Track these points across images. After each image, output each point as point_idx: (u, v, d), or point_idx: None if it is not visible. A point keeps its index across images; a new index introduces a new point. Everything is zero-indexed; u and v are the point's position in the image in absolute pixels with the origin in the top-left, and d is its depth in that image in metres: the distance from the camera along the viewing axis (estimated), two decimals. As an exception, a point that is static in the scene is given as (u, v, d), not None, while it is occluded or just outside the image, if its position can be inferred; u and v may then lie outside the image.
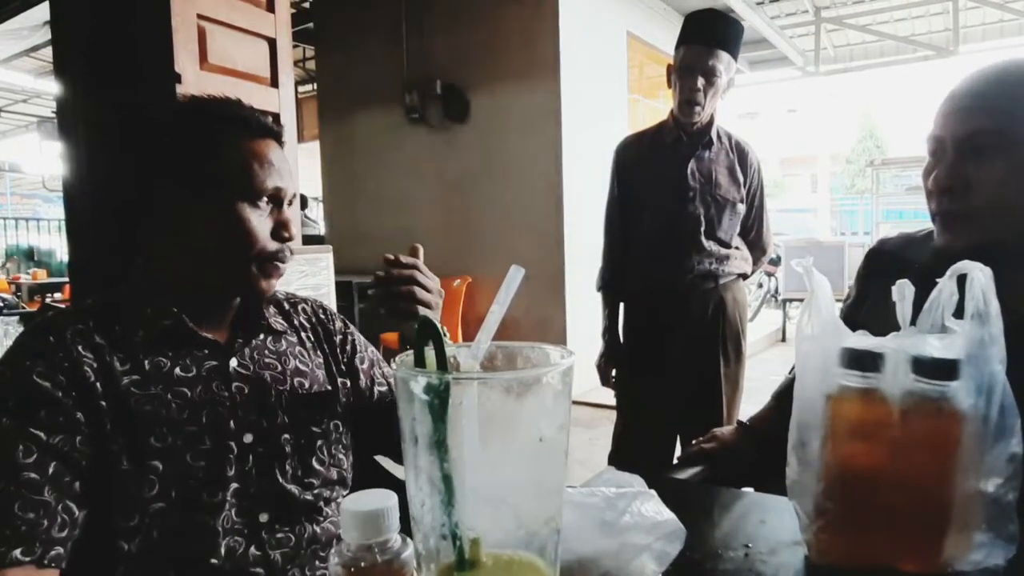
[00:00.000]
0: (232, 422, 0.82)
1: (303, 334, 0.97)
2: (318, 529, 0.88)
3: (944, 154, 0.89)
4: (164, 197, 0.83)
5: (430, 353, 0.51)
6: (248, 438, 0.83)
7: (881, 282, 1.04)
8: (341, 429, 0.93)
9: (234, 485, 0.81)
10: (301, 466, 0.87)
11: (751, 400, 2.00)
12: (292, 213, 0.89)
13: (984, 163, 0.86)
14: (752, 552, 0.75)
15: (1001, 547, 0.66)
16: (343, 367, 0.98)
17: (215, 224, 0.82)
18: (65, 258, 6.79)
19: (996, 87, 0.87)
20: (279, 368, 0.90)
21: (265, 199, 0.83)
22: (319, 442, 0.89)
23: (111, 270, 1.90)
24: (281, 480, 0.85)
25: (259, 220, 0.83)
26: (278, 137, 0.88)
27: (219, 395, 0.83)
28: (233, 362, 0.86)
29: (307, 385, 0.92)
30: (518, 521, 0.51)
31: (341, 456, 0.93)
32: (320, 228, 6.58)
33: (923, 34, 7.10)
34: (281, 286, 0.93)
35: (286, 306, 0.99)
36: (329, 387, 0.95)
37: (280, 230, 0.85)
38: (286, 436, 0.86)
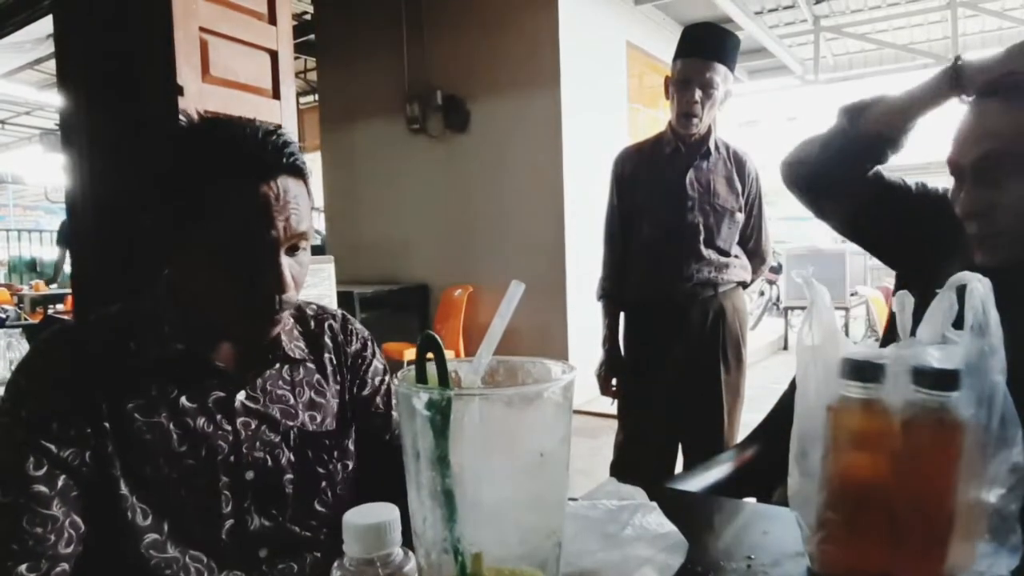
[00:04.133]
0: (233, 458, 0.79)
1: (326, 356, 0.91)
2: (320, 555, 0.85)
3: (964, 178, 0.90)
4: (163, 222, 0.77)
5: (432, 368, 0.51)
6: (249, 475, 0.80)
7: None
8: (349, 468, 0.89)
9: (230, 522, 0.78)
10: (302, 508, 0.83)
11: (753, 409, 2.00)
12: (296, 259, 0.79)
13: (1004, 183, 0.86)
14: (755, 564, 0.75)
15: (1004, 557, 0.65)
16: (354, 388, 0.93)
17: (203, 265, 0.75)
18: (67, 269, 6.80)
19: (1003, 107, 0.87)
20: (291, 400, 0.85)
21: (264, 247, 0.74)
22: (323, 483, 0.86)
23: (114, 281, 1.91)
24: (281, 519, 0.82)
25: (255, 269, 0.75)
26: (293, 171, 0.76)
27: (222, 429, 0.79)
28: (241, 395, 0.81)
29: (319, 419, 0.87)
30: (520, 535, 0.51)
31: (345, 496, 0.88)
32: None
33: (922, 42, 7.11)
34: None
35: (312, 325, 0.92)
36: (341, 421, 0.90)
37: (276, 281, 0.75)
38: (289, 476, 0.82)
